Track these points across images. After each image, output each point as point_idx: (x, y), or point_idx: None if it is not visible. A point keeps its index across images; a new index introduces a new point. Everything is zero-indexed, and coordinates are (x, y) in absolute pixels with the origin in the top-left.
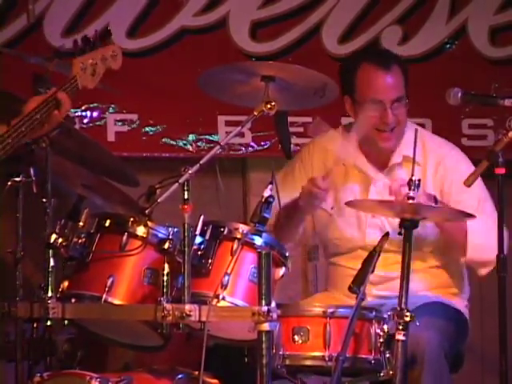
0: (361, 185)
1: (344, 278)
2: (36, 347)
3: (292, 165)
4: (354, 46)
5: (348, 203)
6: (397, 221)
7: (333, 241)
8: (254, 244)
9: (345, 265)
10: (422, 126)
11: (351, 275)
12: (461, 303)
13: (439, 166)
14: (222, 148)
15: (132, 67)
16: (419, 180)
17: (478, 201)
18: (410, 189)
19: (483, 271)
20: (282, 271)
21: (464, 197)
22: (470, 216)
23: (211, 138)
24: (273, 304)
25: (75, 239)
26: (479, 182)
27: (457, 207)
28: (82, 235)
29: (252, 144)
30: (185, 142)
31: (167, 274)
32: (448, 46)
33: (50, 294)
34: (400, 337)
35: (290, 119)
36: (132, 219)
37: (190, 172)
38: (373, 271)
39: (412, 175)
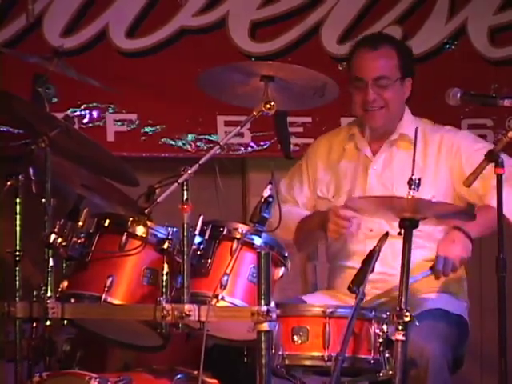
0: (360, 169)
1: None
2: (35, 347)
3: (298, 166)
4: None
5: (345, 206)
6: None
7: None
8: (254, 244)
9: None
10: None
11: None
12: (461, 306)
13: (442, 145)
14: (222, 148)
15: (131, 67)
16: (419, 179)
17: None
18: (410, 188)
19: None
20: (281, 271)
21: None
22: (471, 215)
23: (210, 138)
24: (272, 304)
25: (74, 239)
26: None
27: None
28: (82, 235)
29: (251, 144)
30: (184, 142)
31: (166, 274)
32: (447, 46)
33: (49, 293)
34: (399, 337)
35: (290, 119)
36: (131, 219)
37: (189, 172)
38: (372, 271)
39: (412, 174)
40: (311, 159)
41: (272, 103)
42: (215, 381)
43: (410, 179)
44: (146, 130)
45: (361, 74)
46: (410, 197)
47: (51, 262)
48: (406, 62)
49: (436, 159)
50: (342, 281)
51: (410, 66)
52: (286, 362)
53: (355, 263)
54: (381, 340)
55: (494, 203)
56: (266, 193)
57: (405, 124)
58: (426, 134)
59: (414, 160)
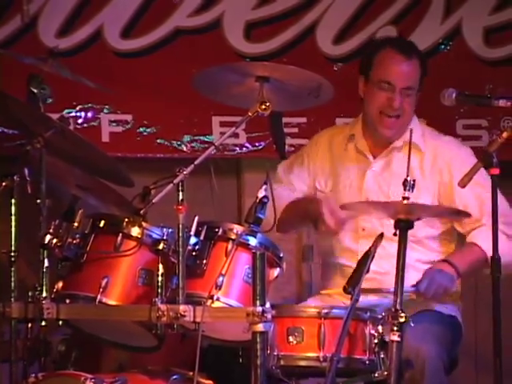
0: (359, 169)
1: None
2: (30, 348)
3: (300, 155)
4: (349, 47)
5: (342, 207)
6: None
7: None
8: (249, 245)
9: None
10: None
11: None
12: (454, 307)
13: (438, 157)
14: (217, 149)
15: (126, 68)
16: (414, 180)
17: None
18: (404, 189)
19: None
20: (276, 272)
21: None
22: (466, 214)
23: (206, 139)
24: (267, 304)
25: (70, 240)
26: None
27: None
28: (77, 236)
29: (246, 145)
30: (179, 142)
31: (162, 275)
32: (443, 46)
33: (44, 294)
34: (394, 338)
35: (285, 120)
36: (127, 220)
37: (184, 173)
38: (367, 272)
39: (407, 175)
40: (313, 151)
41: (267, 104)
42: (210, 381)
43: (405, 180)
44: (141, 130)
45: (391, 79)
46: (404, 200)
47: (46, 263)
48: (423, 76)
49: (430, 168)
50: (335, 278)
51: (424, 75)
52: (281, 362)
53: (348, 261)
54: (376, 341)
55: (482, 241)
56: (261, 193)
57: (413, 129)
58: (426, 140)
59: (408, 161)
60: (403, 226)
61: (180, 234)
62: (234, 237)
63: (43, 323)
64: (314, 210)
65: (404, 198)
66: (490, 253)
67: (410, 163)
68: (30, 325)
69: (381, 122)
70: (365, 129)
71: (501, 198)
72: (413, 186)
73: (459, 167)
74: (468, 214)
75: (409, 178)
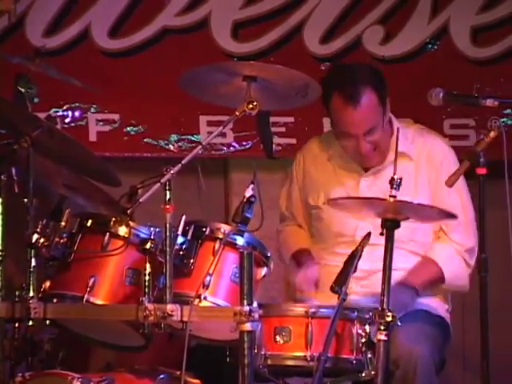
0: (350, 178)
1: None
2: (18, 347)
3: (289, 181)
4: (336, 46)
5: (329, 203)
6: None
7: (324, 234)
8: (236, 244)
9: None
10: None
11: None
12: (443, 308)
13: (430, 161)
14: (204, 148)
15: (114, 67)
16: (400, 179)
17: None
18: (392, 188)
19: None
20: (263, 271)
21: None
22: (452, 216)
23: (193, 138)
24: (254, 304)
25: (57, 239)
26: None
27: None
28: (64, 235)
29: (234, 144)
30: (166, 142)
31: (149, 274)
32: (430, 46)
33: (31, 294)
34: (381, 337)
35: (272, 119)
36: (114, 219)
37: (171, 172)
38: (355, 271)
39: (394, 173)
40: (299, 171)
41: (254, 103)
42: (198, 381)
43: (392, 179)
44: (129, 129)
45: (349, 130)
46: (391, 198)
47: (33, 262)
48: (383, 93)
49: (422, 172)
50: (330, 279)
51: (385, 93)
52: (269, 361)
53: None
54: (363, 340)
55: (440, 258)
56: (248, 193)
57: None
58: (415, 138)
59: (395, 159)
60: (390, 226)
61: (167, 234)
62: (221, 236)
63: (30, 323)
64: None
65: (391, 197)
66: (447, 276)
67: (396, 164)
68: (17, 324)
69: (360, 161)
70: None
71: (471, 220)
72: (399, 185)
73: (447, 169)
74: (455, 216)
75: (395, 177)
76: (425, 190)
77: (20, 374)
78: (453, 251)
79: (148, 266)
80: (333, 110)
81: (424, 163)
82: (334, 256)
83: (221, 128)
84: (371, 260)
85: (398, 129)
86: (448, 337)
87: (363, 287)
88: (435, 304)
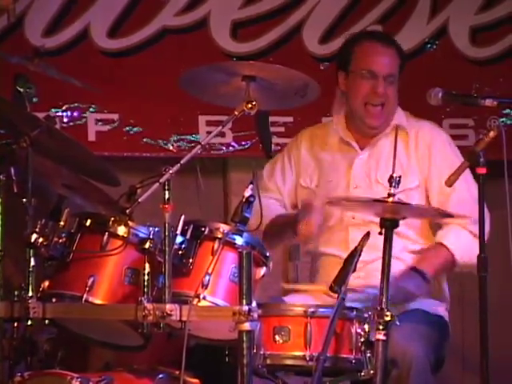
0: (345, 159)
1: (328, 266)
2: (17, 347)
3: (281, 156)
4: (335, 46)
5: (329, 203)
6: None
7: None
8: (235, 244)
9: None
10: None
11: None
12: (441, 307)
13: (419, 139)
14: (203, 148)
15: (113, 67)
16: (400, 177)
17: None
18: (390, 185)
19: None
20: (262, 271)
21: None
22: (449, 215)
23: (192, 138)
24: (253, 304)
25: (56, 239)
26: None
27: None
28: (63, 235)
29: (233, 144)
30: (166, 141)
31: (148, 274)
32: (429, 45)
33: (30, 293)
34: (380, 336)
35: (271, 119)
36: (113, 219)
37: (170, 172)
38: (354, 270)
39: (393, 172)
40: (293, 150)
41: (253, 103)
42: (197, 380)
43: (391, 177)
44: (128, 129)
45: (373, 67)
46: (390, 197)
47: (32, 262)
48: (403, 64)
49: (424, 154)
50: (325, 270)
51: (403, 68)
52: (268, 361)
53: (338, 251)
54: (362, 340)
55: (450, 241)
56: (248, 192)
57: (397, 117)
58: (409, 122)
59: (394, 157)
60: (389, 225)
61: (166, 233)
62: (220, 236)
63: (29, 322)
64: (294, 223)
65: (390, 195)
66: (457, 254)
67: (395, 162)
68: (16, 324)
69: (367, 113)
70: (349, 122)
71: (473, 194)
72: (398, 183)
73: (438, 149)
74: (452, 216)
75: (395, 175)
76: (415, 167)
77: (19, 374)
78: (457, 228)
79: (147, 265)
80: (360, 51)
81: (414, 144)
82: (326, 243)
83: (220, 128)
84: (365, 250)
85: (396, 127)
86: (446, 336)
87: (360, 278)
88: (433, 303)
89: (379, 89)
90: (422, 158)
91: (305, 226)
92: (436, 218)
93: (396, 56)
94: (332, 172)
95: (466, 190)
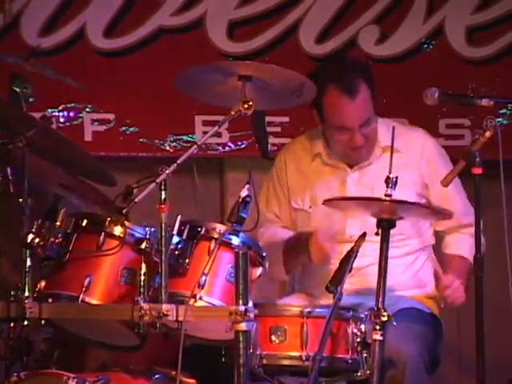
0: (336, 179)
1: (322, 276)
2: (13, 347)
3: (271, 184)
4: (332, 46)
5: (325, 203)
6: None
7: None
8: (231, 244)
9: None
10: None
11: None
12: (435, 305)
13: (422, 156)
14: (199, 148)
15: (109, 67)
16: (396, 177)
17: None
18: (387, 187)
19: None
20: (259, 271)
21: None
22: (447, 215)
23: (188, 138)
24: (250, 304)
25: (52, 239)
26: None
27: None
28: (59, 235)
29: (229, 144)
30: (162, 141)
31: (144, 274)
32: (425, 45)
33: (26, 293)
34: (377, 337)
35: (268, 119)
36: (109, 219)
37: (167, 172)
38: (350, 271)
39: (390, 172)
40: (280, 173)
41: (250, 103)
42: (193, 381)
43: (388, 178)
44: (124, 129)
45: (345, 122)
46: (387, 197)
47: (29, 262)
48: (373, 86)
49: (415, 164)
50: (318, 282)
51: (374, 87)
52: (264, 361)
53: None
54: (358, 340)
55: (466, 252)
56: (244, 192)
57: (383, 138)
58: (401, 134)
59: (391, 158)
60: (385, 226)
61: (163, 233)
62: (216, 236)
63: (26, 322)
64: (306, 247)
65: (386, 196)
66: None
67: (391, 163)
68: (12, 324)
69: (350, 155)
70: (330, 149)
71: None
72: (395, 183)
73: (434, 158)
74: (450, 214)
75: (391, 176)
76: (409, 180)
77: (15, 374)
78: (467, 237)
79: (143, 265)
80: (327, 104)
81: (410, 156)
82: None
83: (216, 128)
84: (358, 256)
85: (393, 127)
86: (440, 335)
87: (353, 285)
88: (427, 302)
89: (356, 140)
90: (415, 171)
91: (318, 255)
92: (433, 217)
93: (365, 94)
94: (325, 192)
95: (458, 193)
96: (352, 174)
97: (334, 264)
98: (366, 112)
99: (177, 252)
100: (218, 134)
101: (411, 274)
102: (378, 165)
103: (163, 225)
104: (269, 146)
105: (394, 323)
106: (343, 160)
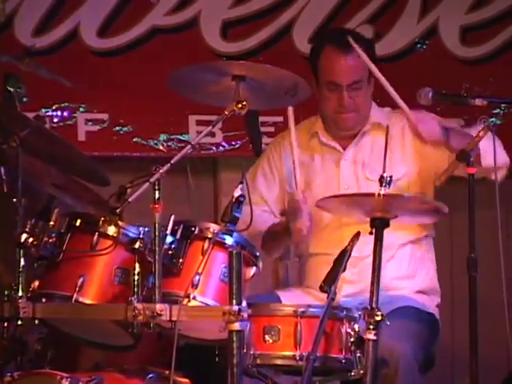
0: (330, 161)
1: (319, 265)
2: (6, 347)
3: (261, 165)
4: None
5: (317, 205)
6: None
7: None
8: (225, 243)
9: (317, 252)
10: None
11: (326, 262)
12: (432, 303)
13: (405, 129)
14: (193, 148)
15: (103, 66)
16: (391, 177)
17: None
18: (381, 185)
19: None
20: (252, 271)
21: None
22: (443, 213)
23: (182, 138)
24: (243, 303)
25: (46, 239)
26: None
27: None
28: (53, 235)
29: (223, 144)
30: (156, 141)
31: (138, 274)
32: (419, 45)
33: (20, 293)
34: (370, 336)
35: (261, 119)
36: (103, 219)
37: (160, 171)
38: (344, 270)
39: (383, 172)
40: (274, 155)
41: (243, 103)
42: (187, 380)
43: (382, 177)
44: (118, 129)
45: (335, 78)
46: (380, 194)
47: (22, 262)
48: (371, 55)
49: (401, 140)
50: (317, 271)
51: (374, 60)
52: (258, 361)
53: (332, 250)
54: (352, 339)
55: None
56: (237, 192)
57: (374, 114)
58: (391, 117)
59: (385, 155)
60: (379, 225)
61: (156, 233)
62: (210, 236)
63: (19, 322)
64: (287, 226)
65: (380, 195)
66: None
67: (386, 160)
68: (5, 324)
69: (338, 120)
70: (326, 125)
71: None
72: (389, 183)
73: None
74: (445, 214)
75: (385, 175)
76: (400, 156)
77: (9, 374)
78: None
79: (137, 265)
80: (323, 62)
81: (398, 135)
82: (318, 244)
83: (210, 127)
84: (358, 247)
85: (387, 126)
86: (436, 333)
87: (353, 274)
88: (424, 300)
89: (344, 101)
90: (408, 146)
91: (295, 230)
92: (428, 214)
93: (358, 60)
94: (319, 175)
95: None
96: (346, 156)
97: (332, 254)
98: (357, 72)
99: (170, 252)
100: (212, 134)
101: (411, 264)
102: (369, 144)
103: (157, 224)
104: (262, 145)
105: (388, 323)
106: (336, 135)
